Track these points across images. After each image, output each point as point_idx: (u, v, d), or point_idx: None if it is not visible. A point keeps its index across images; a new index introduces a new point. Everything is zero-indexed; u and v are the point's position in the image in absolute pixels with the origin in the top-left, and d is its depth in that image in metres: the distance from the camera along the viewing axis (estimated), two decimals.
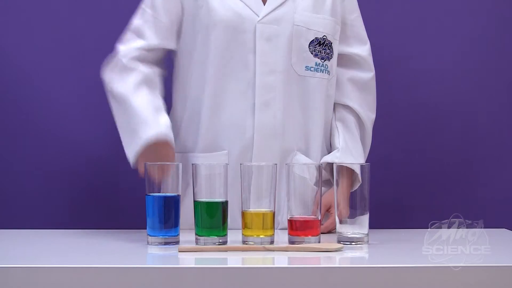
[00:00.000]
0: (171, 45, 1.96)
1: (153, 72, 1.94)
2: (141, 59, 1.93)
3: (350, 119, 2.00)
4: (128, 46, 1.94)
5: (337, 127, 1.99)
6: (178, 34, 1.96)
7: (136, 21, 1.96)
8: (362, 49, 2.01)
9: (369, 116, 2.02)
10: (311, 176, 1.78)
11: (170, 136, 1.86)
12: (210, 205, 1.63)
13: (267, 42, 1.89)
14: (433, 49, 2.49)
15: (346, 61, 2.01)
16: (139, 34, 1.95)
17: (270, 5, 1.91)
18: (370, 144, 2.03)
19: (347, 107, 2.00)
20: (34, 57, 2.43)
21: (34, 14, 2.44)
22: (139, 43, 1.94)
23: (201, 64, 1.92)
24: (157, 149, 1.82)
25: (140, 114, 1.85)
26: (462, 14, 2.49)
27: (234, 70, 1.90)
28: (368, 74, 2.02)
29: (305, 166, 1.71)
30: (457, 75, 2.49)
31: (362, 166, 1.67)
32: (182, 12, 1.94)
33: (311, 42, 1.91)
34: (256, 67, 1.88)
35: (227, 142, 1.91)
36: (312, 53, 1.92)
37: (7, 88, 2.43)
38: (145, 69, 1.92)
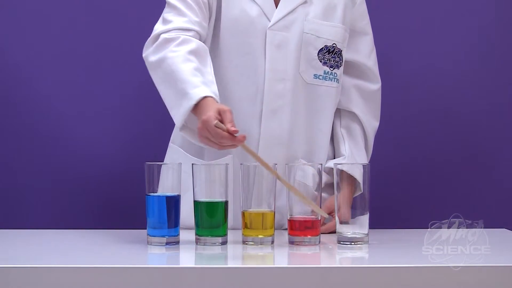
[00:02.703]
0: (206, 28, 1.87)
1: (202, 46, 1.83)
2: (186, 33, 1.82)
3: (356, 128, 1.97)
4: (169, 25, 1.83)
5: (342, 135, 1.97)
6: (209, 20, 1.89)
7: (172, 2, 1.86)
8: (368, 58, 1.98)
9: (372, 124, 1.99)
10: (313, 181, 1.77)
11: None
12: (210, 205, 1.63)
13: (277, 49, 1.86)
14: (433, 49, 2.49)
15: (352, 69, 1.98)
16: (176, 11, 1.85)
17: (282, 10, 1.88)
18: (371, 152, 2.01)
19: (352, 114, 1.97)
20: (36, 58, 2.43)
21: (34, 15, 2.44)
22: (181, 19, 1.83)
23: (215, 65, 1.86)
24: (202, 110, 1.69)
25: (190, 78, 1.73)
26: (462, 14, 2.49)
27: (244, 74, 1.87)
28: (374, 86, 1.99)
29: (305, 167, 1.71)
30: (457, 75, 2.49)
31: (362, 166, 1.67)
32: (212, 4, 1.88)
33: (320, 50, 1.89)
34: (266, 73, 1.86)
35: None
36: (321, 61, 1.89)
37: (8, 88, 2.43)
38: (195, 41, 1.81)
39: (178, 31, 1.82)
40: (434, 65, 2.48)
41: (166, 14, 1.86)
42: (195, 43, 1.80)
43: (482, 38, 2.49)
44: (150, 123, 2.43)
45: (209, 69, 1.79)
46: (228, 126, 1.62)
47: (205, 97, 1.69)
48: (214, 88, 1.73)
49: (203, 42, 1.84)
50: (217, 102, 1.70)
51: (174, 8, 1.85)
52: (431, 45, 2.49)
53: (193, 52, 1.78)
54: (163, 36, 1.81)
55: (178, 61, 1.76)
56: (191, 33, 1.83)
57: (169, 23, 1.83)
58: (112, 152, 2.44)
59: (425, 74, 2.49)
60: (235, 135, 1.62)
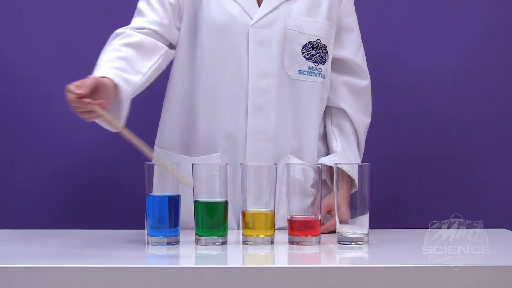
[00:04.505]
0: (172, 27, 1.90)
1: (149, 42, 1.86)
2: (138, 31, 1.87)
3: (347, 125, 1.98)
4: (128, 26, 1.89)
5: (334, 133, 1.98)
6: (180, 20, 1.92)
7: (138, 6, 1.93)
8: (356, 54, 1.99)
9: (362, 120, 2.00)
10: (307, 178, 1.79)
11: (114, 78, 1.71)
12: (210, 205, 1.63)
13: (259, 46, 1.87)
14: (433, 49, 2.49)
15: (340, 66, 1.99)
16: (139, 14, 1.91)
17: (264, 8, 1.89)
18: (363, 149, 2.02)
19: (342, 112, 1.99)
20: (34, 57, 2.43)
21: (35, 15, 2.44)
22: (138, 20, 1.90)
23: (195, 65, 1.91)
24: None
25: (102, 63, 1.76)
26: (462, 14, 2.49)
27: (228, 72, 1.88)
28: (363, 82, 2.00)
29: (304, 166, 1.71)
30: (457, 75, 2.49)
31: (362, 166, 1.67)
32: (182, 4, 1.92)
33: (304, 46, 1.90)
34: (249, 70, 1.87)
35: (220, 145, 1.89)
36: (305, 57, 1.90)
37: (7, 88, 2.43)
38: (140, 36, 1.85)
39: (131, 30, 1.86)
40: (434, 64, 2.49)
41: (133, 18, 1.91)
42: (138, 37, 1.84)
43: (482, 37, 2.49)
44: (152, 122, 2.43)
45: (146, 62, 1.82)
46: (77, 89, 1.59)
47: (103, 77, 1.68)
48: (129, 76, 1.74)
49: (166, 40, 1.89)
50: (115, 83, 1.68)
51: (139, 11, 1.91)
52: (432, 45, 2.49)
53: (130, 45, 1.82)
54: (113, 33, 1.85)
55: (106, 51, 1.80)
56: (144, 31, 1.87)
57: (129, 24, 1.88)
58: (112, 152, 2.44)
59: (425, 72, 2.49)
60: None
